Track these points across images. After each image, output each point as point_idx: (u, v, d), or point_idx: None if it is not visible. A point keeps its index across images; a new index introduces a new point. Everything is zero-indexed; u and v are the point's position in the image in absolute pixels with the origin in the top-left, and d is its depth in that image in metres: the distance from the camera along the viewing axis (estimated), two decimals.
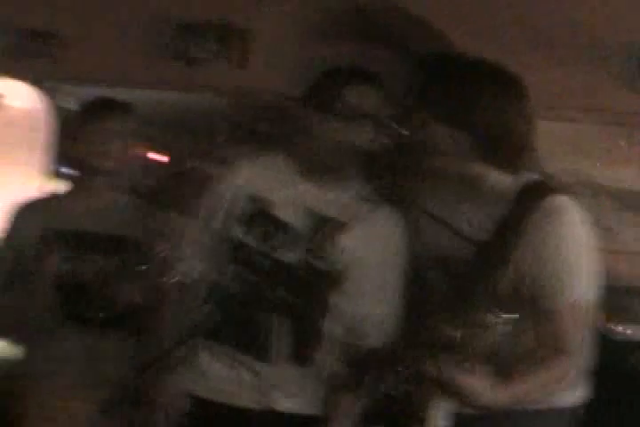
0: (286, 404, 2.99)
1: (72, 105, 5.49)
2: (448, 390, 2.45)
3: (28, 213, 3.54)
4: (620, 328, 4.66)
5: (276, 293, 2.94)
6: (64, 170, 5.33)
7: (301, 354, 2.96)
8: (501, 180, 2.75)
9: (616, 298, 4.59)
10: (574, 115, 5.33)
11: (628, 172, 5.41)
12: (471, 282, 2.67)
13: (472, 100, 2.65)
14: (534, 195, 2.72)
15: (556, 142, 5.32)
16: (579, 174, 5.36)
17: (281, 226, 2.92)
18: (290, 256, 2.93)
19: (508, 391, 2.56)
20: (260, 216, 2.95)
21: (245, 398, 2.96)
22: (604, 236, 5.11)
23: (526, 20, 5.25)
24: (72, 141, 3.64)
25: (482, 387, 2.47)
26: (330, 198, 2.95)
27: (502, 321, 2.39)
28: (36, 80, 5.63)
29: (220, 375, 2.98)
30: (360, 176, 2.98)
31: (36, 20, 5.49)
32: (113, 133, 3.63)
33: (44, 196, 3.75)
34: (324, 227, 2.92)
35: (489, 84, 2.69)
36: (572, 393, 2.84)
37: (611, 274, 5.02)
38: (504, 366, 2.60)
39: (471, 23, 5.27)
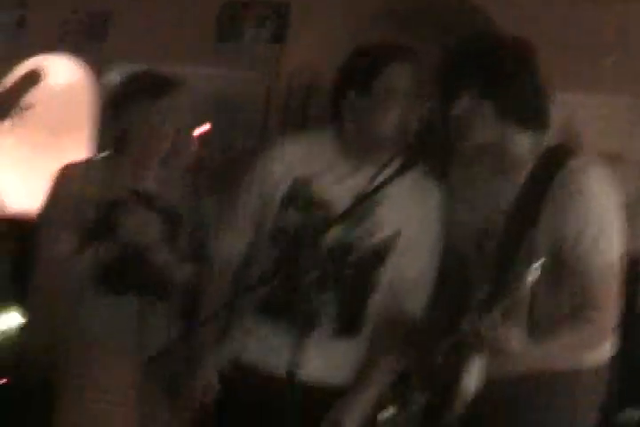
0: (331, 377, 3.00)
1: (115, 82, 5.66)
2: (487, 345, 2.50)
3: (90, 175, 3.35)
4: None
5: (325, 269, 2.95)
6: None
7: (349, 326, 2.99)
8: (524, 144, 2.73)
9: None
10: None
11: None
12: (505, 249, 2.71)
13: (501, 73, 2.67)
14: (558, 156, 2.72)
15: (589, 117, 5.42)
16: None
17: (325, 205, 2.91)
18: (336, 234, 2.92)
19: (544, 347, 2.61)
20: (305, 197, 2.95)
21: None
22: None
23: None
24: (120, 119, 3.39)
25: (519, 342, 2.50)
26: (369, 175, 2.88)
27: (533, 270, 2.39)
28: (85, 58, 5.76)
29: (270, 345, 2.98)
30: (398, 152, 2.90)
31: (88, 3, 5.69)
32: (172, 112, 3.39)
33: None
34: (367, 203, 2.89)
35: (509, 55, 2.70)
36: (602, 351, 2.82)
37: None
38: (541, 325, 2.66)
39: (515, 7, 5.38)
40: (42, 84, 3.78)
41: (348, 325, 3.00)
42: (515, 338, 2.49)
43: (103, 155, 3.45)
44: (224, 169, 3.32)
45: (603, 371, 2.83)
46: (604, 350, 2.82)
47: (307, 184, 2.95)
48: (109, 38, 5.70)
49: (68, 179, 3.30)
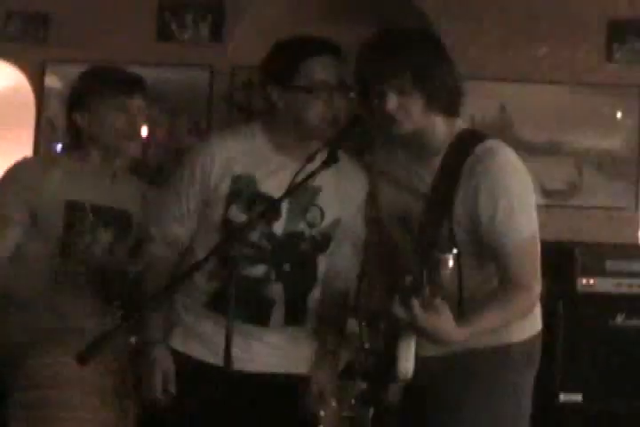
0: (281, 365, 3.06)
1: (58, 84, 5.65)
2: (418, 329, 2.51)
3: (48, 175, 3.21)
4: (585, 281, 4.86)
5: (273, 264, 3.00)
6: (59, 148, 5.42)
7: (294, 316, 3.04)
8: (442, 130, 2.81)
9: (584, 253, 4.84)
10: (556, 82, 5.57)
11: (604, 135, 5.62)
12: (426, 231, 2.76)
13: (423, 68, 2.71)
14: (467, 141, 2.79)
15: (543, 109, 5.59)
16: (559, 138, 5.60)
17: (267, 200, 2.93)
18: (280, 228, 2.98)
19: (474, 325, 2.63)
20: (247, 193, 2.97)
21: (247, 363, 2.97)
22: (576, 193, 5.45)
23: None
24: (86, 118, 3.23)
25: (449, 326, 2.53)
26: (300, 167, 2.85)
27: (443, 257, 2.42)
28: (24, 60, 5.71)
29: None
30: (325, 144, 2.91)
31: (27, 4, 5.66)
32: (142, 111, 3.30)
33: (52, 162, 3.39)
34: (304, 195, 2.96)
35: (429, 50, 2.77)
36: (529, 326, 2.89)
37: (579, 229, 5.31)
38: (470, 303, 2.74)
39: (454, 3, 5.54)
40: None
41: (295, 315, 3.05)
42: (443, 321, 2.51)
43: (58, 152, 3.46)
44: (167, 165, 3.30)
45: (530, 345, 2.90)
46: (529, 324, 2.88)
47: (249, 180, 2.98)
48: (49, 40, 5.70)
49: (22, 174, 3.23)
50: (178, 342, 3.05)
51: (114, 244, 3.22)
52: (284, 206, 2.92)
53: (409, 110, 2.72)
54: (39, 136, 5.72)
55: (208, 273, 2.93)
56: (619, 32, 5.51)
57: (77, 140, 3.27)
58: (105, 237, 3.21)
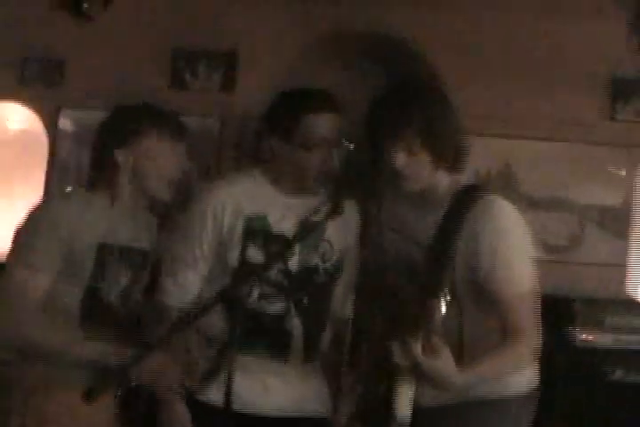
0: (309, 406, 3.11)
1: (71, 128, 5.75)
2: (419, 371, 2.55)
3: (81, 215, 3.04)
4: (585, 336, 4.91)
5: (292, 299, 3.06)
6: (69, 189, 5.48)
7: (311, 352, 3.10)
8: (446, 185, 2.89)
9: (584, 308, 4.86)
10: (560, 139, 5.61)
11: (606, 191, 5.67)
12: (427, 281, 2.76)
13: (432, 127, 2.76)
14: (470, 195, 2.85)
15: (546, 166, 5.62)
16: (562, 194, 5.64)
17: (280, 238, 3.00)
18: (295, 264, 3.05)
19: (472, 373, 2.66)
20: (260, 233, 3.02)
21: (274, 406, 3.04)
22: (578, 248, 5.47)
23: (516, 51, 5.60)
24: (130, 158, 3.07)
25: (448, 369, 2.57)
26: (307, 205, 2.96)
27: (436, 303, 2.52)
28: (39, 104, 5.77)
29: (249, 387, 2.96)
30: (329, 197, 2.93)
31: (41, 48, 5.73)
32: (185, 156, 3.18)
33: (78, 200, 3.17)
34: (313, 231, 3.02)
35: (437, 108, 2.81)
36: (525, 380, 2.93)
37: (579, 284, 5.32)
38: (469, 352, 2.77)
39: (458, 51, 5.59)
40: None
41: (311, 351, 3.11)
42: (444, 364, 2.56)
43: (82, 192, 3.17)
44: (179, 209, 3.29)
45: (527, 400, 2.93)
46: (527, 379, 2.92)
47: (261, 221, 3.04)
48: (65, 85, 5.77)
49: (55, 214, 3.03)
50: (208, 393, 3.01)
51: (130, 286, 3.14)
52: (297, 244, 3.02)
53: (417, 168, 2.79)
54: (51, 178, 5.76)
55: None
56: (622, 90, 5.59)
57: (108, 177, 3.08)
58: (124, 280, 3.12)
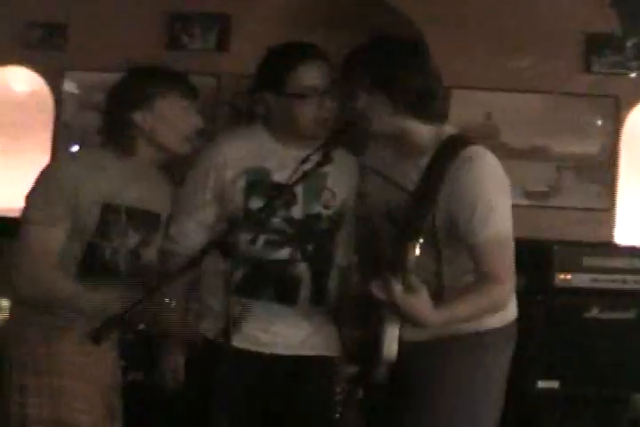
0: (312, 348, 3.19)
1: (76, 90, 5.86)
2: (397, 308, 2.61)
3: (88, 175, 3.06)
4: (563, 276, 4.98)
5: (297, 245, 3.13)
6: (75, 149, 5.65)
7: (319, 295, 3.16)
8: (426, 133, 2.95)
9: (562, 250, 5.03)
10: (538, 91, 5.72)
11: (582, 140, 5.78)
12: (409, 225, 2.85)
13: (383, 69, 2.85)
14: (453, 146, 2.92)
15: (522, 114, 5.73)
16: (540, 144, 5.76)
17: (282, 188, 3.03)
18: (298, 212, 3.12)
19: (449, 313, 2.73)
20: (263, 184, 3.09)
21: (279, 346, 3.13)
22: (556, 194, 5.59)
23: (492, 9, 5.68)
24: (148, 119, 3.10)
25: (426, 307, 2.63)
26: (305, 156, 2.96)
27: (418, 244, 2.58)
28: (44, 67, 5.90)
29: (255, 326, 3.10)
30: (319, 146, 2.96)
31: (44, 14, 5.84)
32: (199, 114, 3.21)
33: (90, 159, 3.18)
34: (315, 180, 3.08)
35: (394, 53, 2.89)
36: (504, 315, 3.00)
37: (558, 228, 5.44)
38: (448, 293, 2.89)
39: (438, 12, 5.68)
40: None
41: (320, 294, 3.18)
42: (421, 302, 2.63)
43: (92, 151, 3.26)
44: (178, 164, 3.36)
45: (503, 332, 3.04)
46: (505, 315, 3.02)
47: (263, 172, 3.12)
48: (68, 49, 5.88)
49: (63, 172, 3.08)
50: (208, 330, 3.15)
51: (139, 246, 3.16)
52: (299, 192, 3.10)
53: (377, 110, 2.89)
54: (57, 138, 5.89)
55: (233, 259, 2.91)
56: (596, 45, 5.68)
57: (127, 138, 3.11)
58: (132, 241, 3.14)
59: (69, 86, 5.86)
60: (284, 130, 3.16)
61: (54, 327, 3.05)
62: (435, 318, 2.69)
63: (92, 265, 3.11)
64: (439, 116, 2.99)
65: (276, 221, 3.11)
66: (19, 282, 3.09)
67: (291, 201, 3.10)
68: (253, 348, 3.12)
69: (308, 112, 3.09)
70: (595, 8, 4.02)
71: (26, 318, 3.09)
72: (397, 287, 2.58)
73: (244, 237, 3.00)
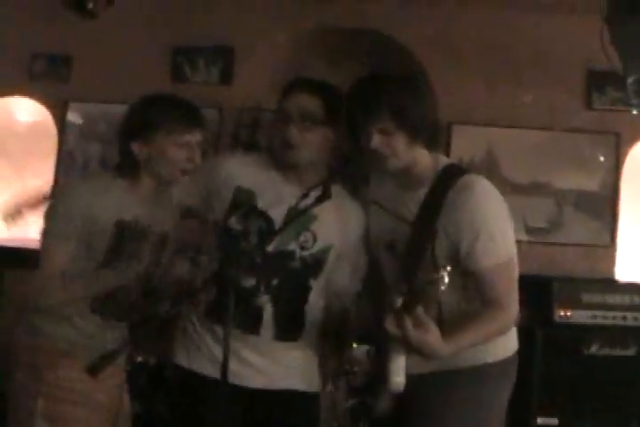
0: (281, 381, 3.15)
1: (79, 120, 5.90)
2: (409, 344, 2.61)
3: (103, 194, 3.12)
4: (562, 312, 5.01)
5: (263, 277, 3.11)
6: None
7: (285, 331, 3.14)
8: (428, 163, 2.99)
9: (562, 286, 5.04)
10: (540, 127, 5.74)
11: (583, 176, 5.78)
12: (411, 255, 2.90)
13: (401, 109, 2.86)
14: (450, 175, 2.94)
15: (523, 149, 5.75)
16: (541, 179, 5.77)
17: (265, 218, 3.09)
18: (272, 245, 3.10)
19: (458, 341, 2.74)
20: (249, 206, 3.12)
21: (245, 377, 3.08)
22: (556, 230, 5.60)
23: (497, 45, 5.73)
24: (145, 150, 3.13)
25: (437, 341, 2.64)
26: (302, 193, 3.02)
27: (441, 275, 2.52)
28: (48, 98, 5.94)
29: (208, 349, 3.11)
30: (324, 173, 3.07)
31: (49, 45, 5.89)
32: (200, 145, 3.20)
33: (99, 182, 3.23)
34: (302, 218, 3.06)
35: (407, 91, 2.92)
36: (504, 348, 3.03)
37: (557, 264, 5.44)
38: (447, 321, 2.87)
39: (439, 46, 5.72)
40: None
41: (286, 330, 3.16)
42: (432, 337, 2.64)
43: (105, 175, 3.24)
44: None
45: (507, 365, 3.06)
46: (505, 346, 3.05)
47: (251, 195, 3.14)
48: (72, 80, 5.92)
49: (80, 192, 3.12)
50: (182, 357, 3.18)
51: (150, 267, 3.20)
52: (278, 226, 3.10)
53: (394, 147, 2.90)
54: (59, 167, 5.91)
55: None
56: (597, 81, 5.72)
57: (129, 166, 3.17)
58: (145, 260, 3.18)
59: (73, 117, 5.93)
60: (279, 158, 3.16)
61: (61, 353, 3.09)
62: (445, 351, 2.70)
63: None
64: (440, 145, 3.01)
65: (248, 246, 3.12)
66: (36, 289, 3.13)
67: (267, 232, 3.10)
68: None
69: (280, 134, 3.10)
70: (596, 45, 4.03)
71: (34, 335, 3.14)
72: (409, 323, 2.59)
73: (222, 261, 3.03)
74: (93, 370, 2.49)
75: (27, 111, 6.00)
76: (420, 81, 3.04)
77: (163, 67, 5.86)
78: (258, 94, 5.86)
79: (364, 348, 3.02)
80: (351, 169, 3.10)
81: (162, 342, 3.23)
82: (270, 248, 3.12)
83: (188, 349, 3.18)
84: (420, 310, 2.60)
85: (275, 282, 3.14)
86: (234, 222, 3.14)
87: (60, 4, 5.30)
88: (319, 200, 2.83)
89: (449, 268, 2.54)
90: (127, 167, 3.19)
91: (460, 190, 2.90)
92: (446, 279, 2.52)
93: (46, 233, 3.13)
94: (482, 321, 2.86)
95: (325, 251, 3.19)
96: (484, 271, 2.87)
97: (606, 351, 4.92)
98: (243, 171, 3.21)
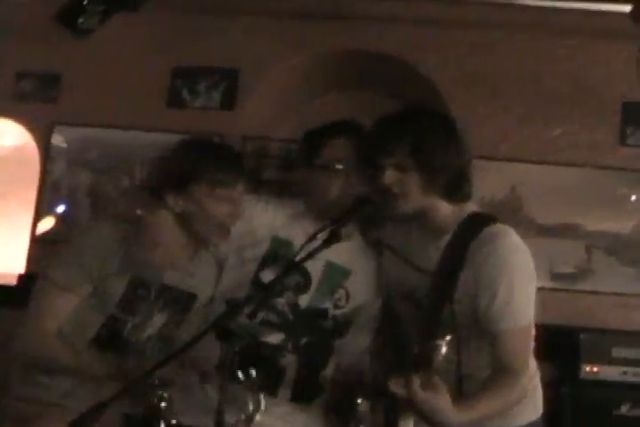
0: None
1: (65, 145, 5.76)
2: (418, 409, 2.54)
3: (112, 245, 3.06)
4: (590, 368, 4.91)
5: (292, 334, 3.11)
6: (62, 209, 5.59)
7: (303, 392, 3.13)
8: (448, 212, 2.93)
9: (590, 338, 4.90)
10: (570, 163, 5.66)
11: (615, 218, 5.67)
12: (431, 309, 2.84)
13: (422, 147, 2.82)
14: (474, 224, 2.90)
15: (554, 190, 5.65)
16: (570, 220, 5.66)
17: (302, 272, 3.08)
18: (305, 301, 3.12)
19: (471, 412, 2.68)
20: (283, 259, 3.07)
21: None
22: (586, 276, 5.49)
23: (528, 75, 5.67)
24: (181, 203, 3.06)
25: (447, 406, 2.56)
26: (336, 246, 2.92)
27: (438, 344, 2.47)
28: (32, 120, 5.82)
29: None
30: (329, 223, 2.95)
31: (36, 63, 5.80)
32: (243, 198, 3.13)
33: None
34: (334, 275, 3.12)
35: (434, 130, 2.87)
36: (529, 411, 3.00)
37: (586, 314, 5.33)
38: (467, 383, 2.81)
39: (462, 74, 5.67)
40: None
41: (305, 392, 3.14)
42: (441, 401, 2.55)
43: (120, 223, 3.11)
44: None
45: None
46: (530, 410, 3.00)
47: (288, 245, 3.11)
48: (60, 101, 5.81)
49: (93, 240, 3.06)
50: (187, 415, 3.03)
51: (165, 327, 3.15)
52: (314, 281, 3.11)
53: (406, 187, 2.84)
54: (42, 196, 5.76)
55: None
56: (633, 115, 5.64)
57: (152, 216, 3.11)
58: (158, 320, 3.13)
59: (59, 141, 5.78)
60: (316, 207, 3.15)
61: (48, 403, 3.03)
62: (455, 417, 2.60)
63: (108, 338, 3.08)
64: (466, 197, 2.97)
65: (280, 301, 3.08)
66: (21, 339, 3.06)
67: (303, 286, 3.09)
68: None
69: (335, 185, 3.07)
70: (632, 77, 3.95)
71: (22, 386, 3.11)
72: (417, 385, 2.50)
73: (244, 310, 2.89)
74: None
75: (9, 135, 5.86)
76: (455, 126, 2.94)
77: (160, 89, 5.75)
78: (263, 122, 5.82)
79: (368, 403, 2.92)
80: (360, 212, 2.97)
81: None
82: (303, 303, 3.12)
83: (189, 404, 3.06)
84: (432, 374, 2.50)
85: (303, 341, 3.13)
86: (268, 275, 3.09)
87: (49, 18, 5.14)
88: (327, 242, 2.76)
89: (448, 337, 2.47)
90: (150, 219, 3.10)
91: (484, 242, 2.84)
92: (444, 349, 2.46)
93: (48, 277, 3.04)
94: (496, 391, 2.79)
95: (357, 310, 3.19)
96: (501, 334, 2.82)
97: (638, 413, 4.82)
98: (280, 220, 3.17)
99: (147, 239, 3.08)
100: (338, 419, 3.11)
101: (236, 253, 3.16)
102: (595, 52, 5.59)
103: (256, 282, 3.10)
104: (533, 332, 2.88)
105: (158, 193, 3.07)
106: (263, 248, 3.14)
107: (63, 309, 3.03)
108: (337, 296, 3.14)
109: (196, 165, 3.04)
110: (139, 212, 3.14)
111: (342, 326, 3.18)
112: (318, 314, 3.13)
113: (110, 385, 2.89)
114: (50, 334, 3.01)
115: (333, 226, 2.82)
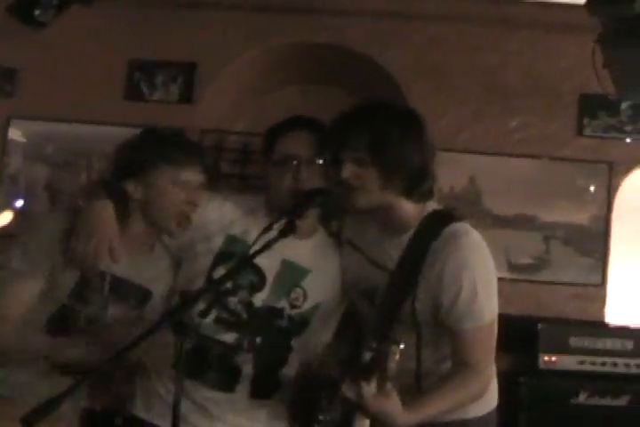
0: None
1: (22, 139, 5.80)
2: (368, 412, 2.64)
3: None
4: (548, 357, 4.98)
5: (247, 334, 3.14)
6: (20, 204, 5.64)
7: (262, 389, 3.18)
8: (408, 210, 2.97)
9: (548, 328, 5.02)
10: (527, 155, 5.74)
11: (573, 209, 5.77)
12: (389, 307, 2.92)
13: (382, 142, 2.86)
14: (435, 223, 2.95)
15: (512, 182, 5.74)
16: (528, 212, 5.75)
17: (256, 271, 3.12)
18: (260, 300, 3.14)
19: (422, 413, 2.76)
20: (237, 257, 3.10)
21: None
22: (544, 267, 5.59)
23: (483, 69, 5.77)
24: (140, 190, 3.11)
25: (396, 410, 2.65)
26: (295, 244, 3.07)
27: (392, 350, 2.55)
28: None
29: (194, 411, 3.10)
30: (283, 214, 2.98)
31: None
32: (201, 186, 3.19)
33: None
34: (292, 274, 3.16)
35: (396, 126, 2.90)
36: (484, 403, 3.06)
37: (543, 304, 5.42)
38: (426, 379, 2.93)
39: (420, 68, 5.74)
40: None
41: (263, 388, 3.19)
42: (390, 406, 2.65)
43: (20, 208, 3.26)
44: None
45: (486, 419, 3.11)
46: (488, 402, 3.10)
47: (242, 242, 3.14)
48: (16, 95, 5.82)
49: (52, 231, 3.09)
50: (141, 409, 3.17)
51: (117, 318, 3.15)
52: (269, 280, 3.15)
53: (364, 182, 2.89)
54: (0, 191, 5.79)
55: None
56: (590, 107, 5.70)
57: (119, 208, 3.12)
58: (111, 313, 3.15)
59: (15, 135, 5.81)
60: (272, 201, 3.20)
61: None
62: (404, 420, 2.69)
63: (59, 328, 3.10)
64: (428, 195, 3.01)
65: (233, 300, 3.12)
66: None
67: (257, 285, 3.12)
68: None
69: (286, 180, 3.10)
70: (588, 68, 4.06)
71: None
72: (368, 390, 2.58)
73: (196, 308, 2.88)
74: (28, 421, 2.39)
75: None
76: (420, 123, 2.98)
77: (117, 82, 5.77)
78: (221, 115, 5.88)
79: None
80: (315, 203, 3.04)
81: (117, 386, 3.16)
82: (258, 302, 3.14)
83: (149, 399, 3.15)
84: (378, 376, 2.59)
85: (258, 340, 3.16)
86: (221, 272, 3.09)
87: (3, 11, 5.18)
88: (283, 233, 2.80)
89: (402, 345, 2.55)
90: (116, 209, 3.11)
91: (445, 241, 2.90)
92: (397, 356, 2.53)
93: (10, 265, 3.08)
94: (454, 387, 2.88)
95: (313, 309, 3.22)
96: (462, 332, 2.89)
97: (595, 401, 4.90)
98: (235, 216, 3.20)
99: (83, 231, 3.07)
100: (301, 412, 3.10)
101: (189, 246, 3.19)
102: (551, 45, 5.66)
103: (209, 279, 3.13)
104: (495, 330, 2.95)
105: (118, 181, 3.12)
106: (216, 243, 3.16)
107: (27, 295, 3.07)
108: (294, 296, 3.17)
109: (158, 150, 3.12)
110: (80, 203, 3.15)
111: (298, 326, 3.20)
112: (273, 313, 3.16)
113: (66, 380, 2.88)
114: (16, 321, 3.04)
115: (289, 216, 2.87)
